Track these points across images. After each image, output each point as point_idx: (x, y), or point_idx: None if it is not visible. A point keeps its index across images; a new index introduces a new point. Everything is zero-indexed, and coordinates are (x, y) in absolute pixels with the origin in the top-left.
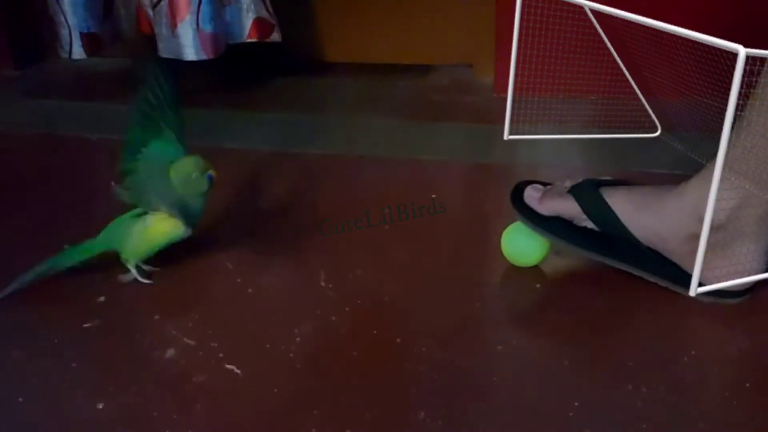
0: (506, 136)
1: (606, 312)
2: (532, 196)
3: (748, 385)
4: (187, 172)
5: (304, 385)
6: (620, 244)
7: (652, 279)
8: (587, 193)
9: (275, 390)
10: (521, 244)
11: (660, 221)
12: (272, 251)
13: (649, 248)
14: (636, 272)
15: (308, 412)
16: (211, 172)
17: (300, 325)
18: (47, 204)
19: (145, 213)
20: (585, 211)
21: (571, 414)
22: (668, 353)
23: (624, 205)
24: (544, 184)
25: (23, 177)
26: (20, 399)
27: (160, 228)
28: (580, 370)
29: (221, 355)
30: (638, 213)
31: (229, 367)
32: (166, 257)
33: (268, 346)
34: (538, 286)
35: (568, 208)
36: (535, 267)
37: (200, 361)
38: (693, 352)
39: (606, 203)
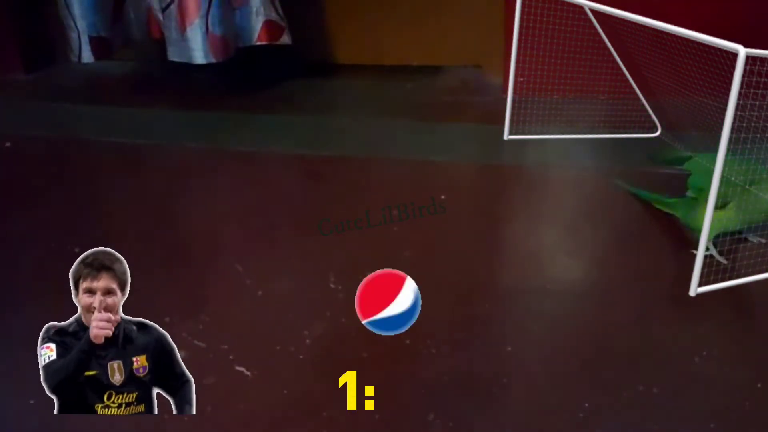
0: (506, 136)
1: (616, 312)
2: None
3: (760, 385)
4: None
5: (313, 386)
6: None
7: None
8: None
9: (285, 392)
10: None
11: None
12: (282, 253)
13: None
14: None
15: (318, 413)
16: None
17: (310, 327)
18: (57, 206)
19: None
20: None
21: (581, 415)
22: (679, 353)
23: None
24: None
25: (34, 180)
26: (31, 402)
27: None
28: (590, 371)
29: (231, 357)
30: None
31: (239, 368)
32: (174, 260)
33: (278, 347)
34: (547, 287)
35: None
36: (544, 266)
37: (211, 363)
38: (704, 353)
39: None
